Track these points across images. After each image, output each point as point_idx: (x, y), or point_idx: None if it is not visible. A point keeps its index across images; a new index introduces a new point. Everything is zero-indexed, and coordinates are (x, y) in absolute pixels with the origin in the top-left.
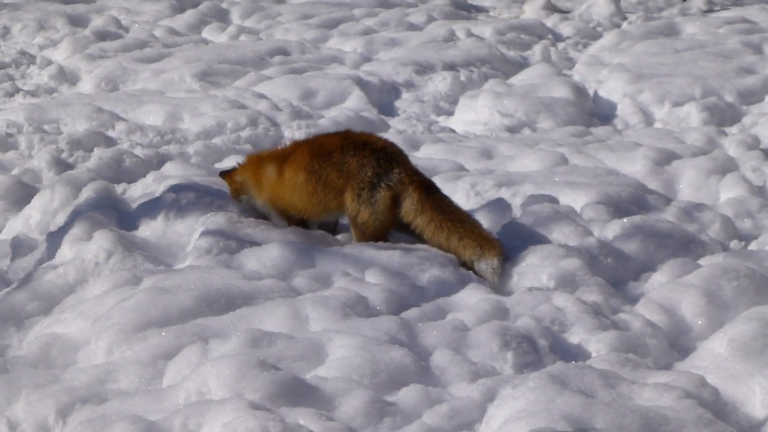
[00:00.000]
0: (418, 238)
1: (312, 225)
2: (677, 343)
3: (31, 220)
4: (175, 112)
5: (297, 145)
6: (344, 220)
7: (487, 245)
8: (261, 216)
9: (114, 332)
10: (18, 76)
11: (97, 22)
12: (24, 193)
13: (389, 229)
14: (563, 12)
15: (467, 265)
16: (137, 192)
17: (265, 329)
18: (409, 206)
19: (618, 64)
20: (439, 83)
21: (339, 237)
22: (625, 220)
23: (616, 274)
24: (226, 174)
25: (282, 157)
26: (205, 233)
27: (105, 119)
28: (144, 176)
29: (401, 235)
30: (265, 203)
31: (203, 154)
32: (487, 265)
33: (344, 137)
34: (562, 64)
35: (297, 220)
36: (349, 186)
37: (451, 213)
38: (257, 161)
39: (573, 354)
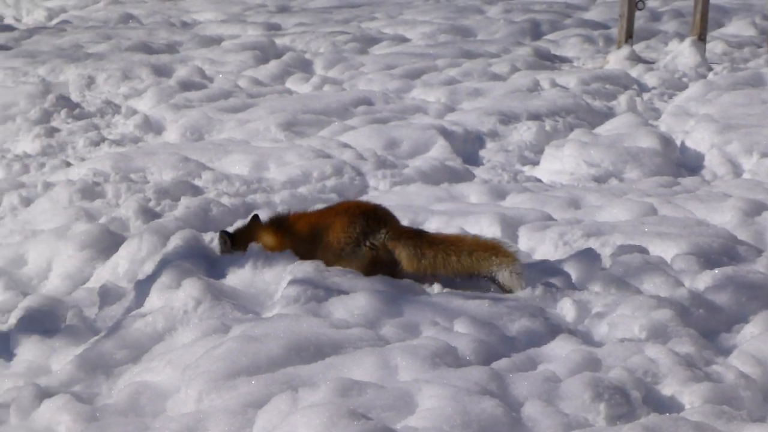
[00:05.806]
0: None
1: None
2: None
3: (119, 268)
4: (260, 162)
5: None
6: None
7: (501, 253)
8: None
9: (203, 380)
10: (103, 125)
11: (181, 72)
12: (111, 241)
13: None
14: (648, 62)
15: (493, 281)
16: None
17: (355, 378)
18: (409, 256)
19: (705, 114)
20: (524, 133)
21: (425, 287)
22: (716, 271)
23: (708, 325)
24: None
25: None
26: (292, 282)
27: (191, 168)
28: (231, 225)
29: (488, 284)
30: None
31: (289, 202)
32: (509, 272)
33: (339, 203)
34: (647, 115)
35: None
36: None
37: (446, 239)
38: None
39: (666, 406)
